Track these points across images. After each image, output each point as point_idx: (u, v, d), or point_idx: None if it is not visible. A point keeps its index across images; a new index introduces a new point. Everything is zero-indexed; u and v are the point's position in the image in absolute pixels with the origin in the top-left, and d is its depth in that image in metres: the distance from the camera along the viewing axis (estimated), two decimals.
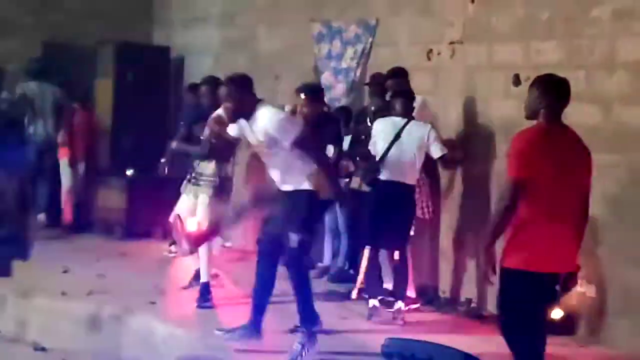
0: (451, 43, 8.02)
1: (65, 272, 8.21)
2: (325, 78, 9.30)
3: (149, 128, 10.72)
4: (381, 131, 7.22)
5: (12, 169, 5.45)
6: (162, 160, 8.67)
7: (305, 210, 5.95)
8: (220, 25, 11.13)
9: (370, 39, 8.96)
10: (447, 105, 7.99)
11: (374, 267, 7.37)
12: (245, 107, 5.97)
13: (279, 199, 6.13)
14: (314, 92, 7.36)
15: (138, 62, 11.04)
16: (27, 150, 6.77)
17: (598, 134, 6.68)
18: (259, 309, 6.20)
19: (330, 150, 7.30)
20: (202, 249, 7.28)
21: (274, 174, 6.11)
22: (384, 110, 7.53)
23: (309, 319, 6.03)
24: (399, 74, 7.87)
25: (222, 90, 6.18)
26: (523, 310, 4.82)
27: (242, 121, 6.05)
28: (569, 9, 7.09)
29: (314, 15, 9.67)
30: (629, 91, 6.66)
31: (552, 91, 5.05)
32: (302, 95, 7.15)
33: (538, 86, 5.13)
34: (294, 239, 5.88)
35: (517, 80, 7.43)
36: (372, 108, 8.04)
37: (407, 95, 7.35)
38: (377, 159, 7.16)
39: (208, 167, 7.37)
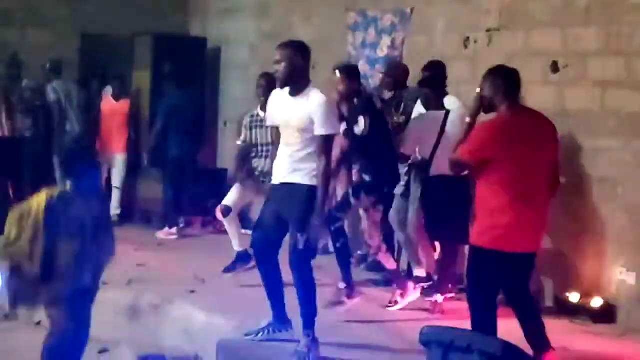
0: (488, 30, 7.97)
1: None
2: (361, 67, 9.25)
3: (187, 118, 10.70)
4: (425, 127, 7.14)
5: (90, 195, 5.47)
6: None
7: (306, 206, 5.66)
8: (256, 16, 11.14)
9: (406, 28, 8.91)
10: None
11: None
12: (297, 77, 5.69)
13: (278, 191, 5.85)
14: (350, 70, 7.22)
15: (175, 53, 11.00)
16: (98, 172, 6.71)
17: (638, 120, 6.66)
18: (277, 304, 6.02)
19: (361, 121, 7.16)
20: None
21: (283, 163, 5.84)
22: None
23: (311, 323, 5.71)
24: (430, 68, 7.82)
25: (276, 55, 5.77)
26: (491, 286, 5.23)
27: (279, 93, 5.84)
28: None
29: (348, 4, 9.63)
30: None
31: (505, 80, 5.36)
32: (338, 74, 7.05)
33: (492, 78, 5.41)
34: (300, 239, 5.63)
35: (555, 68, 7.38)
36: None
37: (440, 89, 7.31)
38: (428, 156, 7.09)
39: None
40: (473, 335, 4.05)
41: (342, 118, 6.75)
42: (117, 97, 10.78)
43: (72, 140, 10.25)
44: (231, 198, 7.77)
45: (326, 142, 5.65)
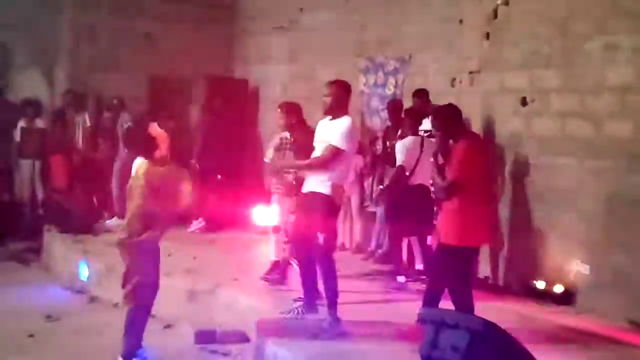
0: (470, 73, 7.94)
1: (169, 255, 8.24)
2: (375, 103, 9.26)
3: (232, 143, 10.77)
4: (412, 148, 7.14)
5: None
6: None
7: (327, 212, 5.66)
8: (287, 62, 11.12)
9: (405, 71, 8.90)
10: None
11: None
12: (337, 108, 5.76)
13: (305, 198, 5.82)
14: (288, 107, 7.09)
15: (223, 90, 11.02)
16: None
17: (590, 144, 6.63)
18: (308, 290, 5.97)
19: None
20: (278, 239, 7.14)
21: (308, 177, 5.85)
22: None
23: (334, 305, 5.70)
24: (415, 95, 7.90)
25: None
26: (468, 275, 5.41)
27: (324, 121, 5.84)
28: (565, 44, 6.99)
29: (359, 52, 9.62)
30: (616, 109, 6.57)
31: (456, 115, 5.45)
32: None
33: (443, 115, 5.46)
34: (320, 237, 5.65)
35: (524, 102, 7.35)
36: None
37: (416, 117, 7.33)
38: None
39: None
40: (459, 315, 4.02)
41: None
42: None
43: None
44: (277, 217, 7.34)
45: (332, 151, 5.61)
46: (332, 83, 5.91)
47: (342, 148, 5.65)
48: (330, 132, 5.71)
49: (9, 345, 6.29)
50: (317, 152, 5.78)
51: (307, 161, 5.82)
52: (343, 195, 6.01)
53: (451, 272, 5.24)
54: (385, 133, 8.39)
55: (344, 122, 5.70)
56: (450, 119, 5.36)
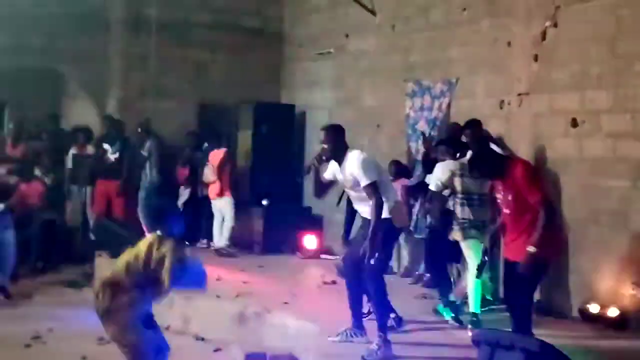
0: (519, 94, 7.90)
1: (218, 279, 8.31)
2: (420, 126, 9.24)
3: (278, 168, 10.84)
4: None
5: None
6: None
7: (384, 234, 5.72)
8: (333, 87, 11.21)
9: (452, 94, 8.89)
10: (517, 146, 7.83)
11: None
12: (336, 152, 5.87)
13: (362, 224, 5.97)
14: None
15: (270, 116, 11.14)
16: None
17: None
18: (356, 313, 6.05)
19: None
20: None
21: (358, 205, 6.02)
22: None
23: (385, 326, 5.77)
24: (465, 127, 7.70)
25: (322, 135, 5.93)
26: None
27: (333, 163, 5.97)
28: (615, 64, 6.93)
29: (406, 76, 9.65)
30: None
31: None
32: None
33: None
34: (370, 258, 5.65)
35: (574, 123, 7.28)
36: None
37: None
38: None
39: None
40: (515, 335, 3.97)
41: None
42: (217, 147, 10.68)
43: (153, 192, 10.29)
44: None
45: (370, 188, 5.70)
46: (326, 130, 5.98)
47: (373, 180, 5.73)
48: (351, 174, 5.81)
49: None
50: (350, 192, 5.97)
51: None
52: (404, 215, 6.15)
53: (521, 288, 5.24)
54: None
55: (352, 159, 5.79)
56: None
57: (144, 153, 10.51)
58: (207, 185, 10.41)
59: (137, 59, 11.42)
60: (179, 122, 11.30)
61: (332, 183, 6.21)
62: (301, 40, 11.88)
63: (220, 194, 10.27)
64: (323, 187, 6.23)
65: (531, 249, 5.20)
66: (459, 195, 6.64)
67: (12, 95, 12.49)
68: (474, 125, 7.48)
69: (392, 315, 6.28)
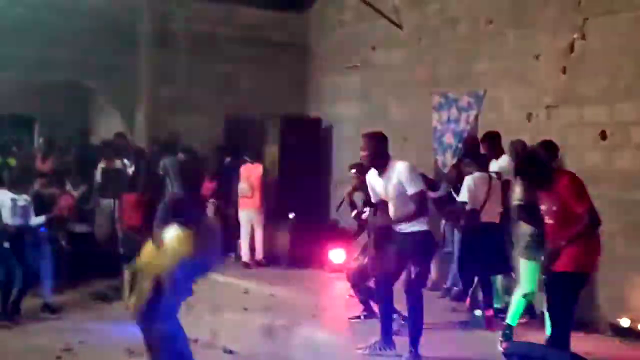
0: (547, 107, 7.89)
1: (245, 293, 8.37)
2: (447, 139, 9.26)
3: (305, 181, 10.88)
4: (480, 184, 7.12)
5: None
6: None
7: (423, 247, 5.75)
8: (359, 100, 11.25)
9: (479, 106, 8.90)
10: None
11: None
12: (377, 160, 5.80)
13: (397, 238, 5.88)
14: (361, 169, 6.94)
15: (297, 130, 11.24)
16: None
17: None
18: (386, 326, 6.04)
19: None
20: None
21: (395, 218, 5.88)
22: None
23: (417, 340, 5.75)
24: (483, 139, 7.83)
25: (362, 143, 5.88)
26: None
27: (371, 173, 5.91)
28: None
29: (432, 89, 9.67)
30: None
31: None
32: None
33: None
34: (414, 270, 5.69)
35: (603, 136, 7.26)
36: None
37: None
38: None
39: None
40: (545, 348, 3.96)
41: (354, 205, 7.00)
42: (252, 161, 10.84)
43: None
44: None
45: (417, 195, 5.67)
46: (367, 137, 5.89)
47: (422, 188, 5.73)
48: (398, 183, 5.72)
49: None
50: (392, 207, 5.83)
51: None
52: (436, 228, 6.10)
53: (562, 301, 5.23)
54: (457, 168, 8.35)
55: (400, 168, 5.73)
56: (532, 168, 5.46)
57: (160, 171, 10.60)
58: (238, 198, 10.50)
59: (165, 73, 11.55)
60: (207, 136, 11.40)
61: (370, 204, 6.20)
62: (328, 54, 11.95)
63: (255, 206, 10.39)
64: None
65: (561, 243, 5.21)
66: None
67: (42, 110, 12.67)
68: (491, 137, 7.52)
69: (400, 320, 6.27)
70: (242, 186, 10.42)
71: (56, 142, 11.74)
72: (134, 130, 11.82)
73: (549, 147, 6.76)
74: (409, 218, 5.68)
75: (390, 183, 5.76)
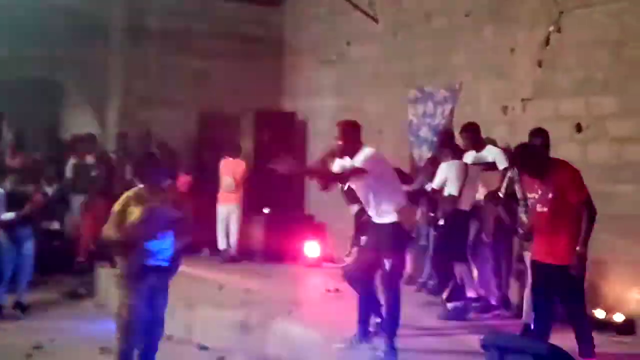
0: (523, 100, 7.91)
1: (220, 288, 8.30)
2: (424, 132, 9.26)
3: (280, 176, 10.75)
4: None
5: None
6: None
7: (395, 239, 5.71)
8: (334, 95, 11.22)
9: (455, 100, 8.89)
10: None
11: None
12: (350, 148, 5.77)
13: (371, 229, 5.89)
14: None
15: (272, 124, 11.19)
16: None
17: None
18: (364, 319, 5.99)
19: None
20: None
21: (367, 207, 5.88)
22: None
23: (392, 333, 5.69)
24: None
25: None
26: None
27: (346, 160, 5.85)
28: (620, 70, 6.93)
29: (408, 83, 9.65)
30: None
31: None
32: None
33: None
34: (387, 263, 5.65)
35: (579, 128, 7.28)
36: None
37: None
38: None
39: None
40: (523, 339, 3.95)
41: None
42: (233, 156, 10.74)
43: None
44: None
45: (353, 171, 5.68)
46: (341, 126, 5.88)
47: (364, 167, 5.66)
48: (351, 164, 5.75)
49: None
50: (362, 195, 5.87)
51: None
52: (413, 218, 6.13)
53: (575, 293, 5.31)
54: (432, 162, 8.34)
55: (364, 152, 5.73)
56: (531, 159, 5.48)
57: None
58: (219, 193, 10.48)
59: (137, 68, 11.43)
60: (181, 131, 11.30)
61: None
62: (302, 48, 11.90)
63: (236, 201, 10.41)
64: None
65: (580, 249, 5.24)
66: (522, 202, 6.18)
67: (11, 106, 12.46)
68: (473, 129, 7.53)
69: (378, 320, 6.22)
70: (228, 181, 10.36)
71: (25, 138, 11.57)
72: (106, 125, 11.68)
73: (544, 135, 6.72)
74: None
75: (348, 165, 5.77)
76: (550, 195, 5.34)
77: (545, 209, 5.40)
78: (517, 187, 6.30)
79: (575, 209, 5.30)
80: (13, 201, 8.38)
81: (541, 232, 5.47)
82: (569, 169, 5.45)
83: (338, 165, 5.95)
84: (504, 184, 6.57)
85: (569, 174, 5.39)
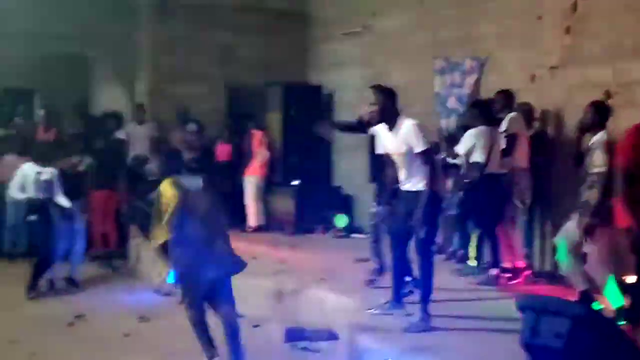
0: (551, 68, 7.87)
1: (254, 258, 8.39)
2: (451, 103, 9.26)
3: (308, 148, 10.89)
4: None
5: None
6: None
7: (429, 206, 5.66)
8: (360, 66, 11.19)
9: (482, 69, 8.87)
10: (548, 120, 7.85)
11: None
12: (387, 115, 5.73)
13: (405, 197, 5.84)
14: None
15: (298, 97, 11.25)
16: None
17: None
18: (397, 287, 6.05)
19: None
20: None
21: (402, 176, 5.83)
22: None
23: (427, 298, 5.72)
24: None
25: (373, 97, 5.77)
26: None
27: (380, 127, 5.83)
28: None
29: (435, 53, 9.64)
30: None
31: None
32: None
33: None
34: (421, 230, 5.65)
35: (608, 95, 7.26)
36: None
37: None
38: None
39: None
40: (560, 301, 3.99)
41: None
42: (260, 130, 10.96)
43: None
44: None
45: (425, 154, 5.65)
46: (376, 89, 5.82)
47: (428, 147, 5.69)
48: (406, 141, 5.68)
49: (107, 344, 6.53)
50: (399, 164, 5.82)
51: (427, 192, 5.67)
52: (444, 186, 6.02)
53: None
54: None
55: (408, 125, 5.67)
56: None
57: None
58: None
59: (165, 43, 11.50)
60: (209, 105, 11.39)
61: (356, 130, 6.38)
62: (328, 20, 11.88)
63: (262, 173, 10.64)
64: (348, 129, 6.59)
65: None
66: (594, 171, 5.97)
67: (41, 82, 12.62)
68: (508, 95, 7.51)
69: (409, 279, 6.28)
70: (264, 153, 10.57)
71: (56, 114, 11.70)
72: (135, 100, 11.79)
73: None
74: (427, 182, 5.64)
75: (398, 139, 5.72)
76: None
77: None
78: (595, 157, 6.04)
79: None
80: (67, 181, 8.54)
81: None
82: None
83: (381, 136, 5.90)
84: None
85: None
